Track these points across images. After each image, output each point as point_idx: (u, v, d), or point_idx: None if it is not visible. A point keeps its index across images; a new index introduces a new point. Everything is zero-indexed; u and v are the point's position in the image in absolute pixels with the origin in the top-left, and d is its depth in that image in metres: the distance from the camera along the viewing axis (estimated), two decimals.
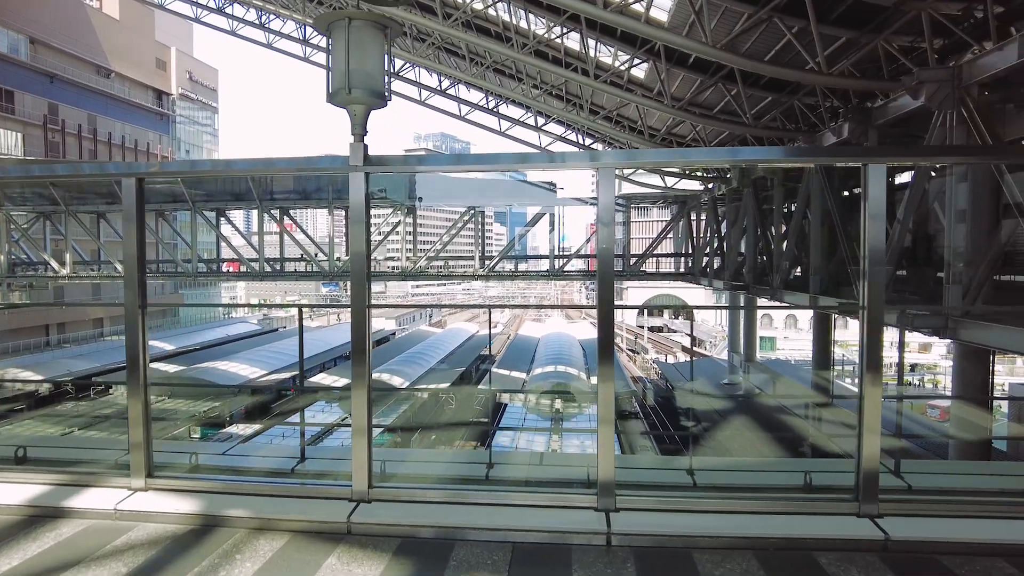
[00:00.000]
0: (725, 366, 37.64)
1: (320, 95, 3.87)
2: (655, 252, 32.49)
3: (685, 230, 33.48)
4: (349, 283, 3.78)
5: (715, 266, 29.16)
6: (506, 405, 30.61)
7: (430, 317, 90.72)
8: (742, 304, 34.18)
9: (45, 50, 45.76)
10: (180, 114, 59.90)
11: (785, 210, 21.07)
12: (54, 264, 34.75)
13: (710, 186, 31.77)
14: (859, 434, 3.35)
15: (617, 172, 32.39)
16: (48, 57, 45.92)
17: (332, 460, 5.08)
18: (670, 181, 36.36)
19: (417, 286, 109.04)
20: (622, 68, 23.38)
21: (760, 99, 21.09)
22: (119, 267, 34.34)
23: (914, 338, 64.52)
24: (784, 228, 20.62)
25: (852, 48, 15.21)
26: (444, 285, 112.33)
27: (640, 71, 24.03)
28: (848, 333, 48.73)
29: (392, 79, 33.73)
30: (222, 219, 34.75)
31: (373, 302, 3.79)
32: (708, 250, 30.20)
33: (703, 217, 32.21)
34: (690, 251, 32.29)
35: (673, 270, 35.99)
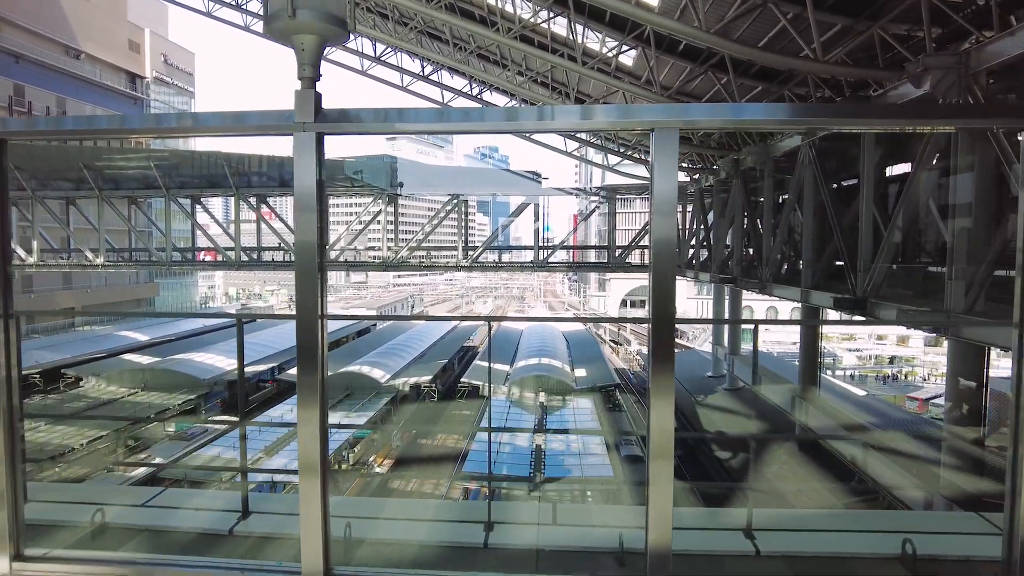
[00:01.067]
0: (709, 359, 37.48)
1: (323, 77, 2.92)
2: (640, 244, 32.17)
3: None
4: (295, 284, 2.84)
5: (701, 258, 28.90)
6: (490, 398, 30.16)
7: (412, 307, 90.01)
8: (728, 297, 34.02)
9: (10, 28, 44.02)
10: (155, 98, 58.25)
11: (775, 202, 20.80)
12: (20, 252, 33.54)
13: (695, 177, 31.42)
14: (1010, 493, 2.31)
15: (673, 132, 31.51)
16: (13, 36, 44.20)
17: (284, 517, 4.00)
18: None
19: (399, 276, 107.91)
20: (610, 55, 22.85)
21: (750, 88, 20.70)
22: (90, 255, 33.28)
23: (892, 331, 65.12)
24: (774, 221, 20.30)
25: (848, 36, 14.83)
26: (426, 276, 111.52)
27: (628, 58, 23.55)
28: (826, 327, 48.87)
29: (374, 63, 32.79)
30: (197, 206, 33.80)
31: (336, 305, 3.02)
32: (694, 242, 29.93)
33: (689, 209, 31.95)
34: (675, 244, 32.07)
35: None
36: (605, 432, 25.09)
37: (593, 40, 23.26)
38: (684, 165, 33.71)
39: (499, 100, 35.00)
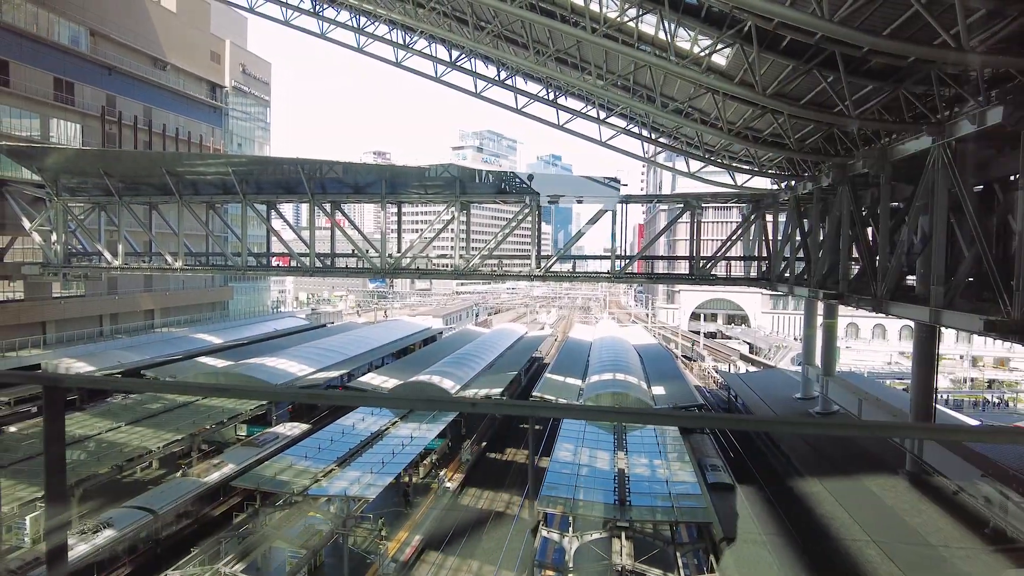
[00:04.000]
0: (795, 379, 35.09)
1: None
2: (726, 255, 30.34)
3: (759, 232, 31.23)
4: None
5: (796, 272, 26.84)
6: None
7: (476, 316, 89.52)
8: (821, 313, 31.71)
9: (104, 42, 45.91)
10: (233, 107, 59.84)
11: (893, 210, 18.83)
12: (107, 255, 34.52)
13: (791, 184, 29.37)
14: None
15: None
16: (107, 49, 46.07)
17: None
18: (740, 178, 33.97)
19: (462, 284, 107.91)
20: (702, 55, 21.37)
21: (858, 88, 18.84)
22: (169, 259, 33.87)
23: (989, 351, 60.23)
24: (893, 231, 18.32)
25: (996, 19, 12.97)
26: (488, 284, 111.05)
27: (721, 58, 21.99)
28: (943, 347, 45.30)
29: (449, 68, 32.12)
30: (273, 212, 33.97)
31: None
32: (788, 254, 27.89)
33: (781, 218, 29.93)
34: (764, 255, 30.04)
35: (743, 274, 33.70)
36: (690, 459, 23.39)
37: (683, 39, 21.85)
38: (772, 172, 31.76)
39: (575, 105, 33.92)
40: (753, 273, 31.87)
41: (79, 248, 36.04)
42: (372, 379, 34.10)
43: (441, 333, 57.16)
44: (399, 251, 33.39)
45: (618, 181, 30.75)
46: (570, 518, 19.23)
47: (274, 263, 37.53)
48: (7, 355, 35.02)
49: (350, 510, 20.65)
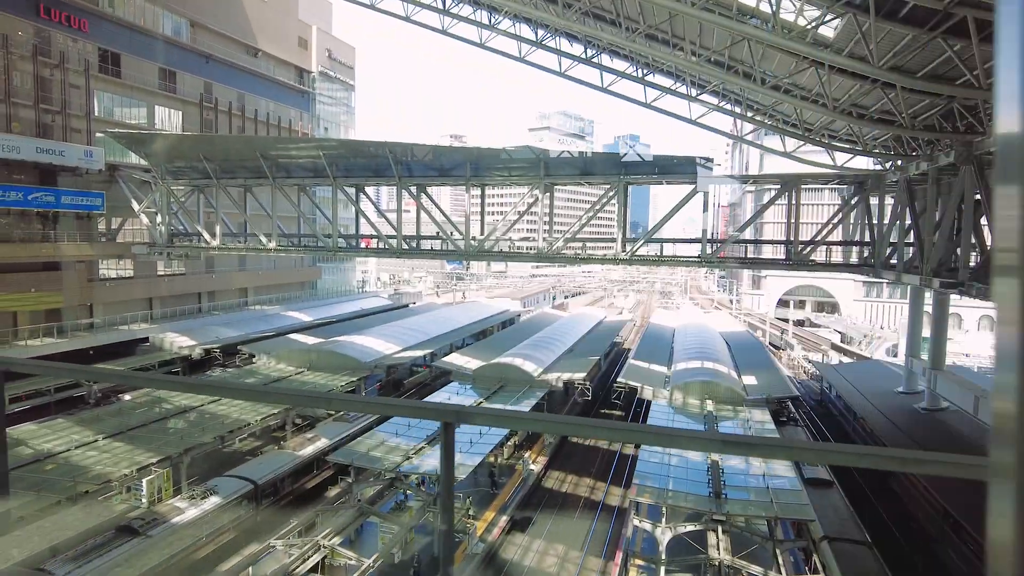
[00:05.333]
0: (896, 371, 33.07)
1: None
2: (826, 240, 28.73)
3: (861, 215, 29.38)
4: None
5: (905, 258, 25.06)
6: (650, 402, 28.21)
7: (553, 299, 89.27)
8: (928, 302, 29.64)
9: (202, 32, 47.95)
10: (320, 92, 61.43)
11: None
12: (206, 235, 36.27)
13: (898, 164, 27.41)
14: None
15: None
16: (205, 38, 48.11)
17: None
18: (840, 158, 32.03)
19: (536, 267, 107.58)
20: (810, 26, 20.04)
21: (991, 56, 17.14)
22: (264, 239, 35.21)
23: None
24: None
25: None
26: (563, 267, 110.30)
27: (829, 29, 20.58)
28: None
29: (534, 48, 31.62)
30: (361, 195, 34.69)
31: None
32: (895, 239, 26.08)
33: (888, 200, 28.01)
34: (867, 240, 28.22)
35: (843, 260, 31.86)
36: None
37: (788, 10, 20.57)
38: (877, 151, 29.76)
39: (664, 82, 32.82)
40: (854, 259, 30.04)
41: (181, 229, 38.04)
42: (455, 359, 34.49)
43: (519, 316, 57.24)
44: (482, 233, 33.46)
45: (711, 160, 29.59)
46: (662, 508, 18.80)
47: (364, 244, 38.39)
48: (120, 328, 37.47)
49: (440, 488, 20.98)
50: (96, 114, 39.59)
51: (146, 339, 36.95)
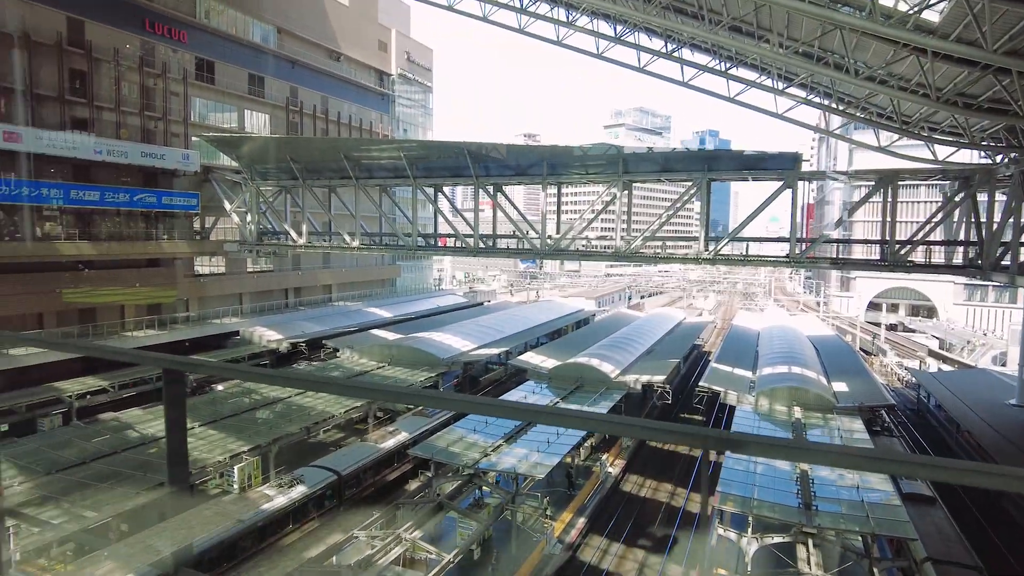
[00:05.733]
0: (1006, 381, 30.66)
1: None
2: (926, 239, 26.88)
3: (965, 212, 27.29)
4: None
5: (1021, 259, 23.08)
6: (733, 408, 27.25)
7: (629, 299, 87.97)
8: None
9: (288, 38, 49.94)
10: (399, 94, 62.81)
11: None
12: (293, 234, 37.74)
13: (1011, 156, 25.30)
14: None
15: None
16: (291, 44, 50.08)
17: None
18: (941, 151, 29.91)
19: (611, 266, 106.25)
20: (912, 11, 18.79)
21: None
22: (347, 238, 36.28)
23: None
24: None
25: None
26: (640, 266, 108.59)
27: (934, 13, 19.22)
28: None
29: (613, 44, 31.19)
30: (439, 195, 35.21)
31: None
32: (1009, 238, 24.07)
33: (999, 196, 25.91)
34: (973, 239, 26.19)
35: (945, 261, 29.75)
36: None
37: None
38: (986, 144, 27.64)
39: (749, 75, 31.66)
40: (959, 260, 27.97)
41: (269, 228, 39.74)
42: (531, 358, 34.45)
43: (594, 315, 56.65)
44: (558, 232, 33.28)
45: (799, 156, 28.28)
46: (748, 517, 18.05)
47: (442, 243, 38.97)
48: (212, 322, 39.51)
49: (519, 487, 20.95)
50: (192, 119, 41.93)
51: (236, 332, 38.81)
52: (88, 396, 29.28)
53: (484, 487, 22.50)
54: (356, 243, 35.74)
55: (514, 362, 35.17)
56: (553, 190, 33.45)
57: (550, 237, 32.81)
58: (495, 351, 36.95)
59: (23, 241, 31.93)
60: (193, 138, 41.18)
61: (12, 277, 31.26)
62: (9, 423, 26.76)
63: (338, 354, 35.95)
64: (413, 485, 25.73)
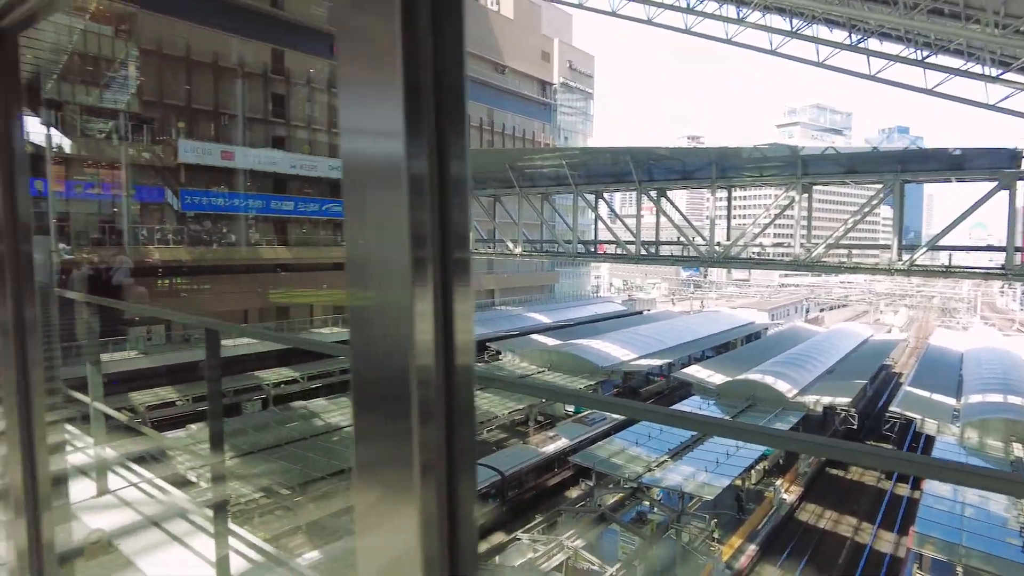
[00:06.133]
0: None
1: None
2: None
3: None
4: None
5: None
6: (932, 438, 24.13)
7: (807, 312, 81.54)
8: None
9: None
10: (561, 103, 63.48)
11: None
12: None
13: None
14: None
15: None
16: None
17: None
18: None
19: (785, 275, 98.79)
20: None
21: None
22: (510, 245, 37.19)
23: None
24: None
25: None
26: (819, 276, 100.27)
27: None
28: None
29: (788, 38, 29.12)
30: (600, 201, 34.98)
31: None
32: None
33: None
34: None
35: None
36: None
37: None
38: None
39: (952, 63, 28.11)
40: None
41: None
42: (696, 372, 32.98)
43: (766, 329, 53.14)
44: (728, 239, 31.62)
45: (1019, 152, 24.42)
46: (956, 567, 15.77)
47: (602, 250, 38.74)
48: None
49: (684, 506, 20.07)
50: None
51: None
52: (282, 385, 32.55)
53: (647, 502, 21.82)
54: (519, 250, 36.53)
55: (677, 375, 33.91)
56: (722, 194, 31.91)
57: (718, 244, 31.26)
58: (657, 362, 35.88)
59: (238, 246, 36.43)
60: None
61: (225, 278, 35.76)
62: (223, 405, 30.49)
63: (500, 357, 36.93)
64: (573, 493, 25.63)
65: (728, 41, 32.57)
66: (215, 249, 35.25)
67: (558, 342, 37.75)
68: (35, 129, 31.22)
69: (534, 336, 40.69)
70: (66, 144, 27.41)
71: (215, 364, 2.75)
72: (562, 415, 30.62)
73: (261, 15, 37.34)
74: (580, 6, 47.68)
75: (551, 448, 26.19)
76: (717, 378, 30.84)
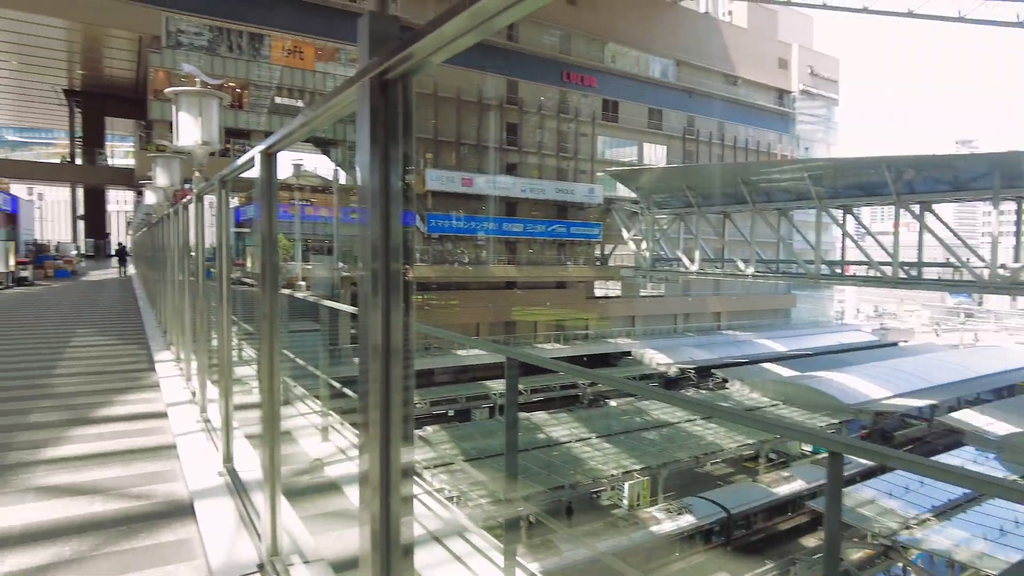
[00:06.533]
0: None
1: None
2: None
3: None
4: None
5: None
6: None
7: None
8: None
9: (687, 69, 51.26)
10: (800, 111, 58.73)
11: None
12: (685, 260, 38.20)
13: None
14: None
15: None
16: (688, 75, 51.31)
17: None
18: None
19: None
20: None
21: None
22: (741, 265, 35.04)
23: None
24: None
25: None
26: None
27: None
28: None
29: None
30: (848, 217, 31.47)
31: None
32: None
33: None
34: None
35: None
36: None
37: None
38: None
39: None
40: None
41: (662, 254, 41.04)
42: (969, 417, 27.80)
43: None
44: (1017, 259, 26.47)
45: None
46: None
47: (850, 271, 34.81)
48: (607, 340, 42.49)
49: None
50: (595, 156, 46.23)
51: (628, 353, 40.90)
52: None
53: (901, 563, 18.79)
54: (750, 270, 34.31)
55: (944, 419, 28.93)
56: (1008, 206, 26.93)
57: (1002, 266, 26.30)
58: (916, 403, 30.98)
59: (474, 265, 39.38)
60: (598, 173, 45.33)
61: (462, 293, 38.81)
62: (455, 410, 32.85)
63: (727, 385, 34.86)
64: (809, 541, 23.09)
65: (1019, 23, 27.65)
66: (455, 268, 38.48)
67: (794, 373, 34.55)
68: (323, 164, 37.25)
69: (766, 365, 37.76)
70: (341, 176, 31.96)
71: (514, 394, 2.74)
72: (798, 454, 27.88)
73: (499, 50, 40.18)
74: (824, 6, 43.98)
75: (784, 489, 23.91)
76: (999, 427, 25.66)
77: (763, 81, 56.08)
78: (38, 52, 36.28)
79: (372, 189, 1.28)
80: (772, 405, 30.73)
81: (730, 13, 56.86)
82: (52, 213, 67.66)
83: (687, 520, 21.59)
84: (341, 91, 1.46)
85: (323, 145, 37.42)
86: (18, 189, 37.54)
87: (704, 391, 35.78)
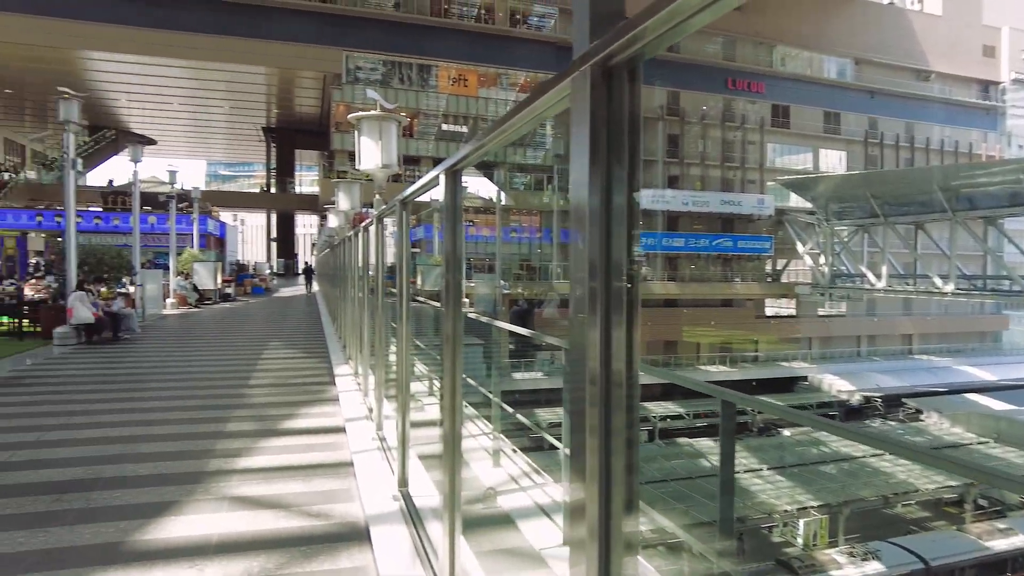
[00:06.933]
0: None
1: None
2: None
3: None
4: None
5: None
6: None
7: None
8: None
9: (867, 67, 46.76)
10: (1012, 104, 51.09)
11: None
12: (870, 276, 34.56)
13: None
14: None
15: None
16: (869, 73, 46.74)
17: None
18: None
19: None
20: None
21: None
22: (938, 282, 31.03)
23: None
24: None
25: None
26: None
27: None
28: None
29: None
30: None
31: None
32: None
33: None
34: None
35: None
36: None
37: None
38: None
39: None
40: None
41: (843, 270, 37.42)
42: None
43: None
44: None
45: None
46: None
47: None
48: (780, 364, 39.36)
49: None
50: (765, 164, 43.42)
51: (804, 378, 37.63)
52: (668, 420, 32.82)
53: None
54: (950, 287, 30.21)
55: None
56: None
57: None
58: None
59: (644, 282, 38.53)
60: (768, 183, 42.57)
61: None
62: None
63: (921, 417, 30.80)
64: None
65: None
66: None
67: (1010, 407, 29.71)
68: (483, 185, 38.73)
69: (970, 396, 32.85)
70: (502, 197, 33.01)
71: (730, 440, 2.53)
72: (1016, 503, 23.82)
73: (657, 61, 39.32)
74: None
75: (1002, 544, 20.45)
76: None
77: (963, 73, 49.63)
78: (244, 96, 41.70)
79: (591, 200, 1.08)
80: (980, 443, 26.62)
81: (920, 1, 51.11)
82: (251, 236, 77.05)
83: (874, 568, 19.16)
84: (551, 86, 1.26)
85: (485, 168, 38.99)
86: (225, 216, 43.36)
87: (893, 422, 31.90)
